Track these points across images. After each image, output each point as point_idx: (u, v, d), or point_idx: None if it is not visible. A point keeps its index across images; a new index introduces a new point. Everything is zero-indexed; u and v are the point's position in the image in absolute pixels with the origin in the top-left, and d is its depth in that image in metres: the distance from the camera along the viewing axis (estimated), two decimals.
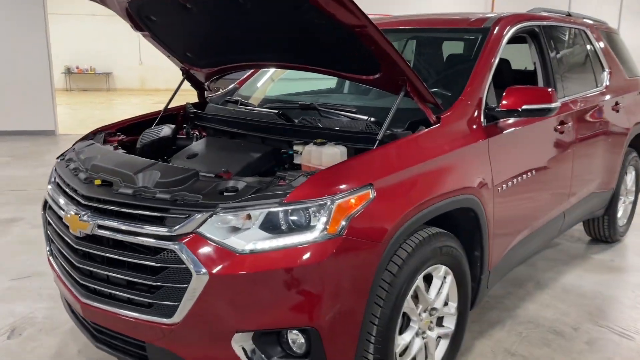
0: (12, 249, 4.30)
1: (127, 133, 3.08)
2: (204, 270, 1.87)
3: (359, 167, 2.11)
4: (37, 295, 3.51)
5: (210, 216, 1.92)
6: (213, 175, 2.20)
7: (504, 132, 2.79)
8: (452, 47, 3.46)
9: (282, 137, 2.66)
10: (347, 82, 3.71)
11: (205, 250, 1.89)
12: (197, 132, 3.12)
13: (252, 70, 3.77)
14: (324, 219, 1.92)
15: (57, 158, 2.74)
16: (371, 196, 2.01)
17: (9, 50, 9.18)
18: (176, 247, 1.91)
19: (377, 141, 2.26)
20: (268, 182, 2.07)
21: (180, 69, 3.29)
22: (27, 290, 3.58)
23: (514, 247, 3.00)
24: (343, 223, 1.93)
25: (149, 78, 19.12)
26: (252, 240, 1.90)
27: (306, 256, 1.88)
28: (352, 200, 1.97)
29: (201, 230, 1.91)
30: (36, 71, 9.36)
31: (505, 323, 3.23)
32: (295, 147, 2.56)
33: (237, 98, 3.26)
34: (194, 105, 3.34)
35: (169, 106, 3.27)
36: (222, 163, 2.51)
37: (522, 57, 3.81)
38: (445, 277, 2.43)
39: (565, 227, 3.71)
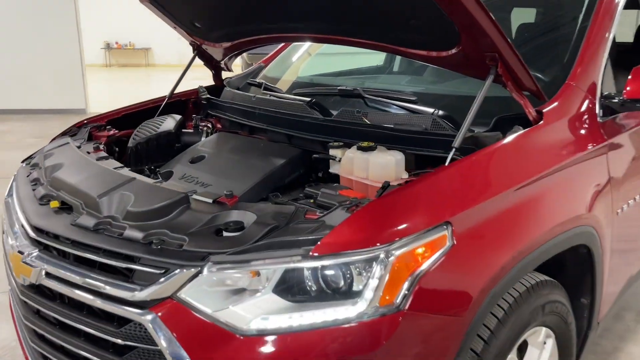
0: None
1: (122, 126, 2.42)
2: (187, 358, 1.21)
3: (428, 194, 1.39)
4: None
5: (199, 273, 1.25)
6: (211, 201, 1.51)
7: (626, 130, 2.00)
8: (540, 13, 2.64)
9: (314, 136, 1.96)
10: (398, 58, 2.95)
11: (189, 326, 1.23)
12: (208, 125, 2.43)
13: (282, 45, 3.03)
14: (374, 282, 1.22)
15: (22, 162, 2.12)
16: (448, 243, 1.29)
17: (38, 27, 8.79)
18: (146, 318, 1.25)
19: (453, 149, 1.53)
20: (288, 215, 1.38)
21: (190, 44, 2.62)
22: None
23: (626, 284, 2.23)
24: (405, 288, 1.22)
25: (187, 53, 18.58)
26: (262, 312, 1.22)
27: (347, 343, 1.19)
28: (419, 250, 1.26)
29: (183, 295, 1.24)
30: (66, 48, 8.97)
31: None
32: (332, 152, 1.85)
33: (260, 81, 2.56)
34: (209, 89, 2.66)
35: (177, 90, 2.62)
36: (233, 171, 1.87)
37: None
38: (544, 342, 1.70)
39: None
